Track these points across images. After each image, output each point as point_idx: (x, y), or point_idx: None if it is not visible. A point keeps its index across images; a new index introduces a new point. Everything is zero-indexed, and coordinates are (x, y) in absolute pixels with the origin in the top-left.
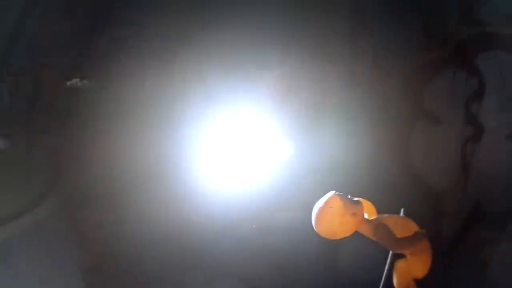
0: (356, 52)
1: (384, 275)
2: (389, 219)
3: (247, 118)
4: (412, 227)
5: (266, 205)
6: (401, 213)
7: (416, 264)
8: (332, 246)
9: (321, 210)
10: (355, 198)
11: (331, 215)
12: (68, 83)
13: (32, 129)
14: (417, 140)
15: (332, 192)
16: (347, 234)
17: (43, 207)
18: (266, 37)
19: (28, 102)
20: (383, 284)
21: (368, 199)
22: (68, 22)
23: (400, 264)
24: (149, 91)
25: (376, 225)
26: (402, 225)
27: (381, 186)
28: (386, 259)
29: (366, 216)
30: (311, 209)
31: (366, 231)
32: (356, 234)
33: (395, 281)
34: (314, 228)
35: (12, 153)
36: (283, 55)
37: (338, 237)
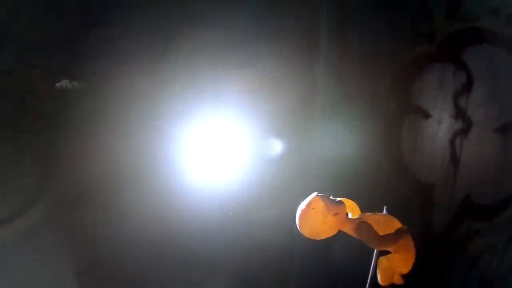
0: (343, 47)
1: (370, 272)
2: (371, 217)
3: (236, 116)
4: (395, 224)
5: (259, 202)
6: (384, 211)
7: (400, 260)
8: (324, 242)
9: (304, 211)
10: (338, 199)
11: (314, 216)
12: (58, 84)
13: (22, 131)
14: (407, 135)
15: (314, 194)
16: (331, 234)
17: (35, 209)
18: (253, 34)
19: (17, 103)
20: (369, 281)
21: (360, 194)
22: (56, 23)
23: (383, 260)
24: (138, 90)
25: (358, 223)
26: (384, 222)
27: (372, 180)
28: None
29: (349, 215)
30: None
31: (349, 230)
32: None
33: (379, 277)
34: (298, 229)
35: (3, 157)
36: (269, 53)
37: (322, 237)
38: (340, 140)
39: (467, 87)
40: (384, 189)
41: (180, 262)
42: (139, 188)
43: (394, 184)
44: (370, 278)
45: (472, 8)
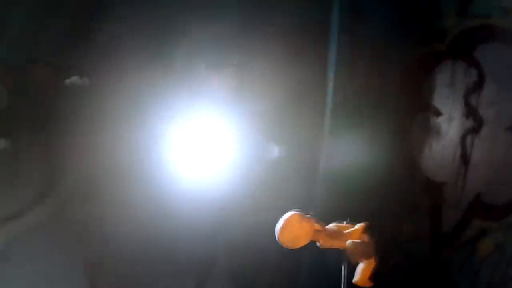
0: (354, 44)
1: (342, 273)
2: (334, 225)
3: (236, 117)
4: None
5: (255, 205)
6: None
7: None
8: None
9: (282, 222)
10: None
11: (291, 223)
12: (67, 80)
13: (31, 127)
14: (417, 132)
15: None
16: (307, 239)
17: (45, 205)
18: (261, 31)
19: (27, 100)
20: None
21: (369, 192)
22: (65, 19)
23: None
24: (146, 87)
25: (326, 228)
26: (345, 226)
27: (381, 178)
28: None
29: None
30: (299, 208)
31: (319, 236)
32: None
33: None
34: (279, 240)
35: (12, 152)
36: (278, 50)
37: (300, 242)
38: (349, 138)
39: (479, 85)
40: (393, 188)
41: (175, 263)
42: (142, 186)
43: (403, 183)
44: (344, 278)
45: (484, 6)
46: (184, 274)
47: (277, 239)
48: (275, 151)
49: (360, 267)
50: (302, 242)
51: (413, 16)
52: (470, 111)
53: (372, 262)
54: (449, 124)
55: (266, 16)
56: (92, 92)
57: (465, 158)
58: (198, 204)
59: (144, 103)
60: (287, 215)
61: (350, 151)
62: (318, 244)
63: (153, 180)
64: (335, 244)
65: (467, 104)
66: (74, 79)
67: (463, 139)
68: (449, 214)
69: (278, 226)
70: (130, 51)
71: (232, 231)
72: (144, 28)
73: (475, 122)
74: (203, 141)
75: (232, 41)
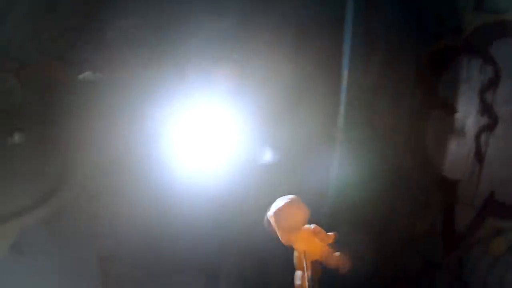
0: (368, 40)
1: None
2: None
3: (240, 115)
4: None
5: (257, 205)
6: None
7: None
8: None
9: (281, 202)
10: None
11: (291, 202)
12: (81, 76)
13: (45, 122)
14: (431, 130)
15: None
16: (304, 218)
17: (56, 198)
18: (272, 28)
19: (40, 95)
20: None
21: (382, 189)
22: (77, 14)
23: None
24: (159, 82)
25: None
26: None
27: (395, 175)
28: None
29: None
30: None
31: (307, 231)
32: None
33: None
34: (273, 219)
35: (25, 146)
36: (293, 46)
37: (295, 228)
38: (362, 135)
39: (494, 82)
40: (406, 185)
41: (180, 260)
42: (148, 182)
43: (417, 180)
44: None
45: (501, 1)
46: (191, 270)
47: (269, 219)
48: (286, 149)
49: (303, 274)
50: (296, 230)
51: (428, 11)
52: (485, 108)
53: (319, 272)
54: (464, 121)
55: (278, 10)
56: (106, 87)
57: (479, 156)
58: (199, 202)
59: (148, 99)
60: (287, 198)
61: (363, 148)
62: (279, 237)
63: (156, 176)
64: (312, 242)
65: (482, 101)
66: (86, 74)
67: (477, 136)
68: (463, 213)
69: (277, 207)
70: (134, 46)
71: (233, 229)
72: (147, 23)
73: (490, 120)
74: (207, 138)
75: (236, 35)
